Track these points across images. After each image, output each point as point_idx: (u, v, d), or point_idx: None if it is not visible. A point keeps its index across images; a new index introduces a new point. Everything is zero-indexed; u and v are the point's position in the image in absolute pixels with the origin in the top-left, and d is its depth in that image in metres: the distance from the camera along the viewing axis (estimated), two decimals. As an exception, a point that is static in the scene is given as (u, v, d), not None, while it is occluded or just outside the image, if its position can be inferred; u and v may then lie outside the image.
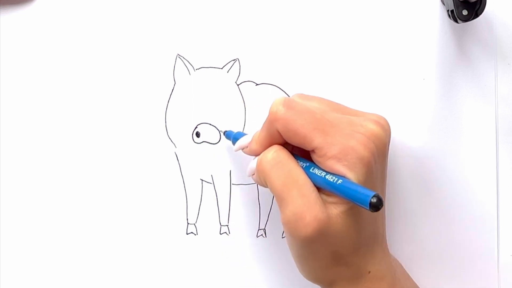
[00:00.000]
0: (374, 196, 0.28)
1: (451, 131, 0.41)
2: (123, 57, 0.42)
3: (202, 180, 0.42)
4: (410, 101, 0.41)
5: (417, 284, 0.39)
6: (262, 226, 0.42)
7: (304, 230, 0.31)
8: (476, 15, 0.38)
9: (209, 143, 0.41)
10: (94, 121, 0.42)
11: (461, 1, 0.38)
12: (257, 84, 0.42)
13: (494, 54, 0.41)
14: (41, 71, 0.42)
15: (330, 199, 0.32)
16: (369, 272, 0.34)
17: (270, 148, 0.34)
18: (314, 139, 0.32)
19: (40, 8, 0.42)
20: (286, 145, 0.34)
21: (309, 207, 0.31)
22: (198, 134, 0.41)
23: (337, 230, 0.32)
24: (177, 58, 0.42)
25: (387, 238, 0.37)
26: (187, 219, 0.42)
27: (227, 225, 0.42)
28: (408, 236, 0.41)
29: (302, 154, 0.34)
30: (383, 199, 0.31)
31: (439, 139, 0.41)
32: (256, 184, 0.42)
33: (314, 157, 0.33)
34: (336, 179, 0.31)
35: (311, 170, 0.33)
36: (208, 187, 0.42)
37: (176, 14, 0.42)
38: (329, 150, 0.32)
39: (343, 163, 0.31)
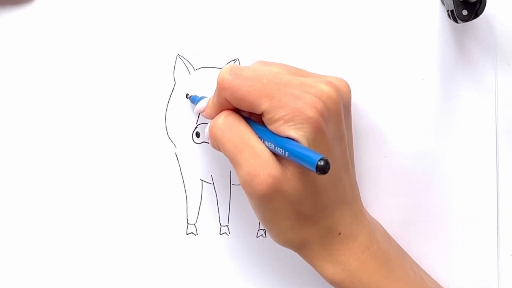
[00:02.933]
0: (321, 159, 0.28)
1: (451, 131, 0.41)
2: (123, 57, 0.42)
3: (202, 180, 0.42)
4: (410, 101, 0.41)
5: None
6: (262, 226, 0.42)
7: (259, 187, 0.32)
8: (476, 15, 0.38)
9: (209, 143, 0.41)
10: (94, 121, 0.42)
11: (461, 1, 0.38)
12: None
13: (494, 54, 0.41)
14: (41, 71, 0.42)
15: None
16: (340, 233, 0.35)
17: (220, 114, 0.35)
18: (261, 104, 0.32)
19: (40, 8, 0.42)
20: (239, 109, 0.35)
21: (262, 166, 0.32)
22: (198, 134, 0.41)
23: (294, 188, 0.32)
24: (177, 58, 0.42)
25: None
26: (187, 219, 0.42)
27: (227, 225, 0.42)
28: (405, 235, 0.41)
29: (257, 119, 0.35)
30: (340, 160, 0.33)
31: (439, 139, 0.41)
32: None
33: (264, 120, 0.33)
34: (283, 150, 0.31)
35: (262, 136, 0.33)
36: (208, 187, 0.42)
37: (176, 14, 0.42)
38: (277, 113, 0.32)
39: (290, 125, 0.32)
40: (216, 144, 0.35)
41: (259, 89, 0.33)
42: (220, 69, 0.41)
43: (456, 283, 0.41)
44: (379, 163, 0.41)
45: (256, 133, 0.34)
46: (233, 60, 0.41)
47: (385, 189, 0.41)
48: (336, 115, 0.34)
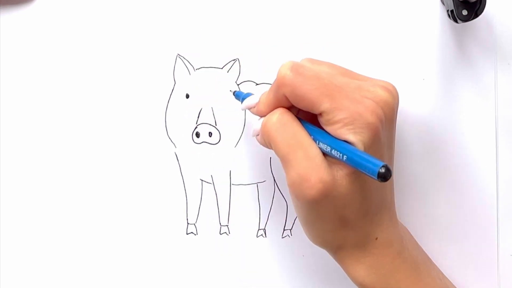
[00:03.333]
0: (382, 166, 0.28)
1: (451, 131, 0.41)
2: (123, 57, 0.42)
3: (202, 180, 0.42)
4: (410, 101, 0.41)
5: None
6: (262, 226, 0.42)
7: (309, 192, 0.31)
8: (476, 15, 0.38)
9: (209, 143, 0.41)
10: (94, 121, 0.42)
11: (461, 1, 0.38)
12: (257, 84, 0.42)
13: (494, 54, 0.41)
14: (41, 71, 0.42)
15: (335, 160, 0.32)
16: (377, 238, 0.34)
17: (275, 111, 0.34)
18: (322, 104, 0.32)
19: (40, 8, 0.42)
20: (292, 108, 0.34)
21: (314, 169, 0.31)
22: (198, 134, 0.41)
23: (343, 193, 0.32)
24: (177, 58, 0.42)
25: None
26: (187, 219, 0.42)
27: (227, 225, 0.42)
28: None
29: (308, 118, 0.34)
30: (391, 168, 0.31)
31: (439, 139, 0.41)
32: (256, 184, 0.42)
33: (321, 120, 0.32)
34: (341, 154, 0.31)
35: (317, 138, 0.33)
36: (208, 187, 0.42)
37: (176, 14, 0.42)
38: (336, 115, 0.31)
39: (349, 128, 0.31)
40: (268, 141, 0.34)
41: (320, 88, 0.32)
42: (220, 69, 0.41)
43: (456, 283, 0.41)
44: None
45: (310, 134, 0.33)
46: (233, 60, 0.41)
47: (385, 189, 0.41)
48: (390, 121, 0.34)
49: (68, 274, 0.42)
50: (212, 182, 0.42)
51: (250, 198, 0.42)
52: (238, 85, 0.41)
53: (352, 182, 0.32)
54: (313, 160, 0.31)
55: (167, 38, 0.42)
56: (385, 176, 0.28)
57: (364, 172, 0.29)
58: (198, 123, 0.41)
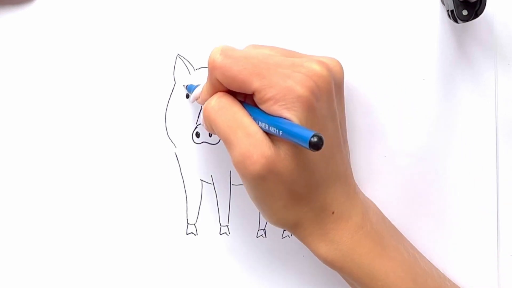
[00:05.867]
0: (314, 135, 0.28)
1: (451, 131, 0.41)
2: (123, 57, 0.42)
3: (202, 180, 0.42)
4: (410, 101, 0.41)
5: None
6: (262, 226, 0.42)
7: (252, 168, 0.32)
8: (476, 15, 0.38)
9: (209, 143, 0.41)
10: (94, 121, 0.42)
11: (461, 1, 0.38)
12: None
13: (494, 54, 0.41)
14: (41, 71, 0.42)
15: (277, 137, 0.33)
16: (333, 212, 0.35)
17: (214, 96, 0.35)
18: (252, 83, 0.32)
19: (40, 8, 0.42)
20: (230, 92, 0.35)
21: (255, 146, 0.32)
22: (198, 135, 0.41)
23: (288, 167, 0.33)
24: (177, 58, 0.42)
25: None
26: (187, 219, 0.42)
27: (227, 225, 0.42)
28: (406, 236, 0.41)
29: (251, 102, 0.35)
30: (332, 139, 0.33)
31: (439, 139, 0.41)
32: (256, 184, 0.42)
33: (255, 100, 0.33)
34: (277, 130, 0.31)
35: (256, 117, 0.33)
36: (208, 188, 0.42)
37: (176, 14, 0.42)
38: (267, 92, 0.32)
39: (281, 104, 0.32)
40: (209, 125, 0.35)
41: (249, 68, 0.33)
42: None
43: (456, 283, 0.41)
44: (379, 163, 0.41)
45: (251, 115, 0.34)
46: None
47: (385, 189, 0.41)
48: (327, 94, 0.34)
49: (68, 274, 0.42)
50: (212, 182, 0.42)
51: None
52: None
53: (295, 155, 0.33)
54: (253, 137, 0.32)
55: (167, 38, 0.42)
56: (317, 145, 0.28)
57: (298, 143, 0.30)
58: (198, 123, 0.41)
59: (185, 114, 0.42)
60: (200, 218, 0.42)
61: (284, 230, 0.42)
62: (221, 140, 0.41)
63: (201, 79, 0.41)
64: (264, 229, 0.42)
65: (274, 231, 0.42)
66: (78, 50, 0.42)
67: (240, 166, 0.32)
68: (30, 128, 0.42)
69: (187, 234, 0.42)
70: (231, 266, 0.42)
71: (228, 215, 0.42)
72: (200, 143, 0.41)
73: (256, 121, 0.33)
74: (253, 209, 0.41)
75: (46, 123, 0.42)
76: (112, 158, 0.42)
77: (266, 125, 0.32)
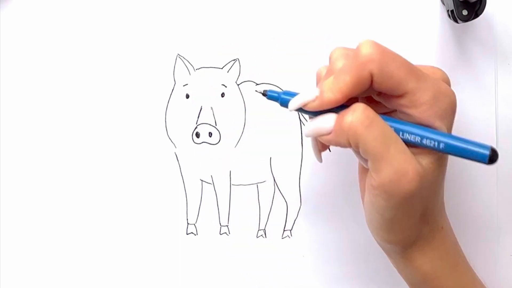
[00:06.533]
0: (491, 149, 0.27)
1: (451, 131, 0.41)
2: (123, 57, 0.42)
3: (202, 180, 0.42)
4: (410, 101, 0.41)
5: None
6: (262, 226, 0.42)
7: (408, 186, 0.30)
8: (476, 15, 0.38)
9: (209, 143, 0.41)
10: (94, 121, 0.42)
11: (461, 1, 0.38)
12: (257, 84, 0.41)
13: (494, 54, 0.41)
14: (41, 71, 0.42)
15: (415, 150, 0.31)
16: (442, 227, 0.34)
17: (355, 107, 0.30)
18: (409, 83, 0.30)
19: (40, 8, 0.42)
20: (364, 100, 0.32)
21: (410, 163, 0.30)
22: (198, 135, 0.41)
23: (430, 182, 0.31)
24: (177, 58, 0.42)
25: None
26: (187, 219, 0.42)
27: (227, 225, 0.42)
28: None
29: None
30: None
31: (439, 139, 0.41)
32: (256, 184, 0.42)
33: (403, 102, 0.30)
34: (436, 142, 0.29)
35: (402, 129, 0.31)
36: (208, 188, 0.42)
37: (176, 14, 0.42)
38: (422, 95, 0.30)
39: (435, 110, 0.30)
40: (353, 140, 0.30)
41: (407, 67, 0.30)
42: (220, 69, 0.41)
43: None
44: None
45: (392, 126, 0.31)
46: (233, 60, 0.41)
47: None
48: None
49: (68, 274, 0.42)
50: (212, 182, 0.42)
51: (250, 198, 0.42)
52: (238, 85, 0.41)
53: (436, 169, 0.31)
54: (406, 153, 0.30)
55: (167, 38, 0.42)
56: (494, 159, 0.27)
57: (470, 158, 0.28)
58: (198, 123, 0.41)
59: (185, 114, 0.41)
60: (200, 218, 0.42)
61: (284, 230, 0.42)
62: (221, 141, 0.41)
63: (201, 79, 0.41)
64: (264, 229, 0.42)
65: (274, 231, 0.42)
66: (78, 50, 0.42)
67: (393, 185, 0.30)
68: (30, 128, 0.42)
69: (187, 234, 0.42)
70: (231, 266, 0.42)
71: (228, 215, 0.42)
72: (200, 143, 0.41)
73: (398, 133, 0.31)
74: (253, 209, 0.42)
75: (46, 123, 0.42)
76: (112, 158, 0.42)
77: (418, 137, 0.30)
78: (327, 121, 0.31)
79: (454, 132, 0.41)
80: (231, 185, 0.42)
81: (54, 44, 0.42)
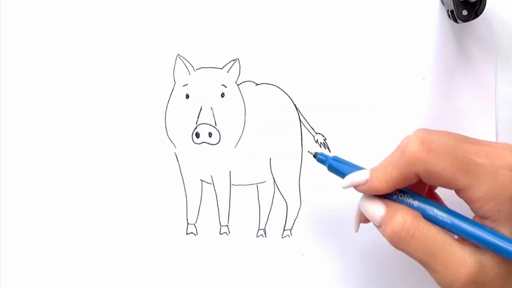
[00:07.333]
0: None
1: (451, 131, 0.41)
2: (123, 57, 0.42)
3: (202, 180, 0.42)
4: (410, 101, 0.41)
5: None
6: (262, 226, 0.42)
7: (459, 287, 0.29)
8: (476, 15, 0.38)
9: (209, 143, 0.41)
10: (93, 121, 0.42)
11: (461, 1, 0.38)
12: (257, 84, 0.41)
13: (494, 54, 0.41)
14: (41, 71, 0.42)
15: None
16: None
17: (400, 212, 0.31)
18: (459, 181, 0.29)
19: (40, 8, 0.42)
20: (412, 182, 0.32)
21: (460, 267, 0.29)
22: (198, 135, 0.41)
23: (493, 279, 0.30)
24: (177, 58, 0.42)
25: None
26: (187, 219, 0.42)
27: (227, 225, 0.42)
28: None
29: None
30: None
31: (439, 139, 0.41)
32: (256, 185, 0.42)
33: (460, 196, 0.30)
34: (485, 243, 0.29)
35: (455, 228, 0.30)
36: (208, 188, 0.42)
37: (176, 14, 0.42)
38: (475, 193, 0.29)
39: (491, 205, 0.29)
40: (401, 245, 0.31)
41: (456, 164, 0.29)
42: (220, 69, 0.41)
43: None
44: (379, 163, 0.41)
45: (441, 223, 0.31)
46: (233, 60, 0.41)
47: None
48: None
49: (68, 274, 0.42)
50: (212, 183, 0.42)
51: (250, 198, 0.42)
52: (238, 85, 0.41)
53: (499, 263, 0.30)
54: (455, 256, 0.29)
55: (167, 38, 0.42)
56: None
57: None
58: (198, 124, 0.41)
59: (185, 114, 0.41)
60: (200, 218, 0.42)
61: (284, 230, 0.42)
62: (221, 141, 0.41)
63: (201, 79, 0.41)
64: (264, 229, 0.42)
65: (274, 231, 0.42)
66: (78, 50, 0.42)
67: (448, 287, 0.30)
68: (30, 128, 0.42)
69: (187, 234, 0.42)
70: (231, 266, 0.42)
71: (228, 215, 0.42)
72: (200, 144, 0.41)
73: (444, 225, 0.30)
74: (253, 209, 0.42)
75: (45, 122, 0.42)
76: (112, 158, 0.42)
77: (465, 236, 0.30)
78: (362, 175, 0.32)
79: (455, 131, 0.41)
80: (231, 185, 0.42)
81: (54, 44, 0.42)
